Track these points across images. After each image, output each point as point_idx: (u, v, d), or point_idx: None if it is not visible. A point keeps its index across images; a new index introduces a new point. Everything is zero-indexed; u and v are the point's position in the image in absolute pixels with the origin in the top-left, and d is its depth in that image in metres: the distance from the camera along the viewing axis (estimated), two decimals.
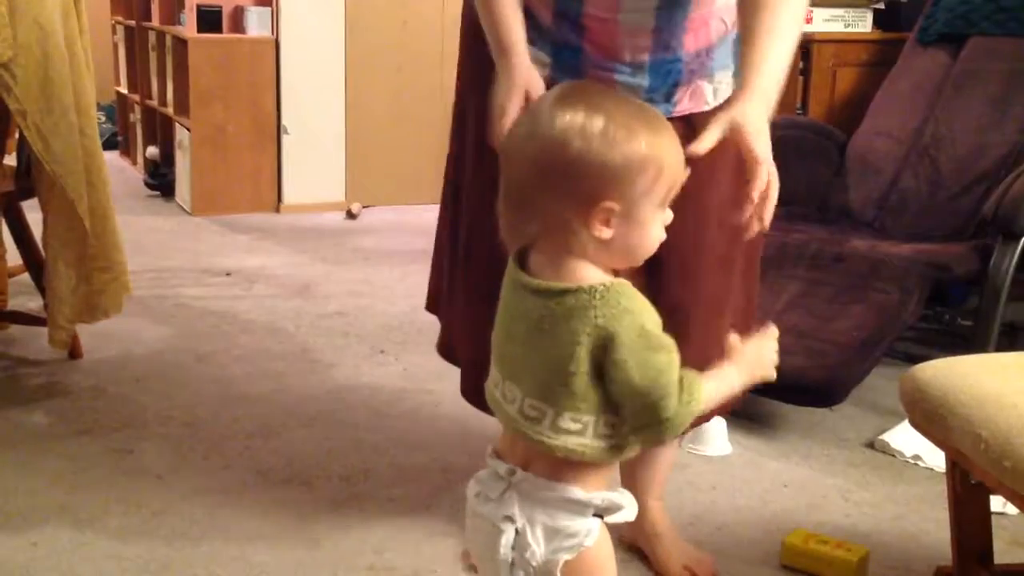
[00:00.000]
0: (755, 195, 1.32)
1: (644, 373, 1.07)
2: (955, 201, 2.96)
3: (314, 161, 4.82)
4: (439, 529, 1.98)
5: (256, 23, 4.66)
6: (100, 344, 2.87)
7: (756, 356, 1.19)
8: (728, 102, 1.41)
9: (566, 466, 1.14)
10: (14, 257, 2.87)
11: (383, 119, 4.90)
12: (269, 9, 4.67)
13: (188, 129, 4.63)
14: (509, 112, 1.42)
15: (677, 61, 1.57)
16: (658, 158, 1.10)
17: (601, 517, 1.16)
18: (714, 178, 1.53)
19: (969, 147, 3.01)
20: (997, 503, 1.80)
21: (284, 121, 4.73)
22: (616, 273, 1.13)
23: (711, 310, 1.67)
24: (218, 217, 4.61)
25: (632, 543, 1.89)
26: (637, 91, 1.54)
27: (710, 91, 1.61)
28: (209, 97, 4.59)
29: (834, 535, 1.93)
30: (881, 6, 3.67)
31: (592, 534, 1.15)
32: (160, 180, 5.03)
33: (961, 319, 2.86)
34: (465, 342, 1.82)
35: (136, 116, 5.55)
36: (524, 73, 1.47)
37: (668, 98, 1.58)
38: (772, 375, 1.20)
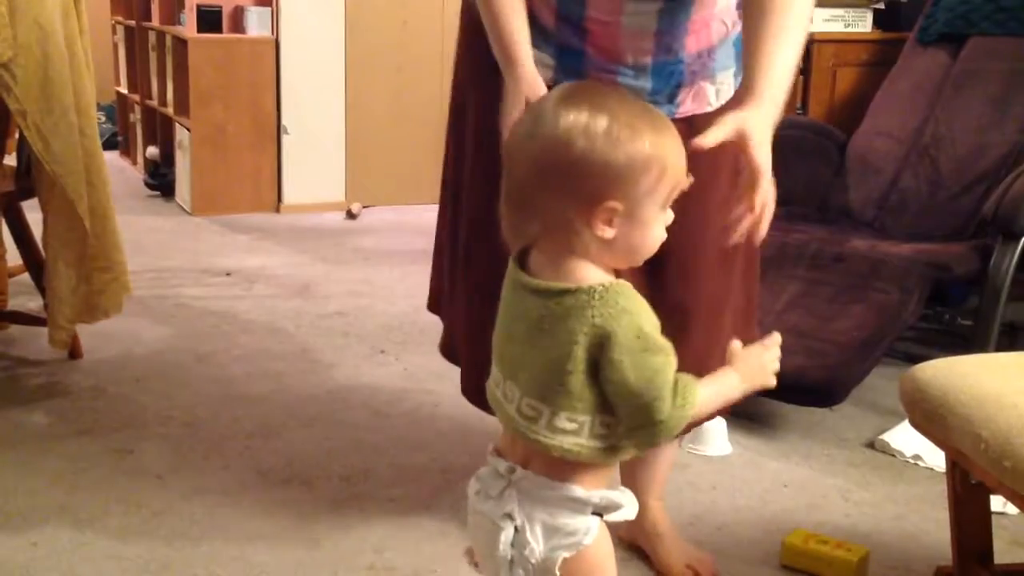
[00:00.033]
0: (757, 208, 1.31)
1: (639, 374, 1.07)
2: (955, 201, 2.96)
3: (314, 161, 4.82)
4: (439, 529, 1.98)
5: (256, 23, 4.66)
6: (100, 344, 2.87)
7: (757, 363, 1.18)
8: (736, 103, 1.39)
9: (565, 465, 1.14)
10: (14, 257, 2.87)
11: (383, 119, 4.90)
12: (269, 9, 4.67)
13: (188, 129, 4.63)
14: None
15: (679, 63, 1.57)
16: (662, 158, 1.10)
17: (600, 516, 1.17)
18: (715, 179, 1.53)
19: (969, 147, 3.01)
20: (997, 503, 1.80)
21: (284, 121, 4.73)
22: (617, 273, 1.14)
23: (711, 310, 1.68)
24: (218, 217, 4.61)
25: (632, 542, 1.89)
26: (640, 93, 1.54)
27: (712, 92, 1.61)
28: (209, 97, 4.59)
29: (834, 535, 1.93)
30: (881, 6, 3.68)
31: (591, 532, 1.15)
32: (160, 180, 5.03)
33: (961, 319, 2.86)
34: (466, 342, 1.82)
35: (136, 116, 5.56)
36: (531, 84, 1.47)
37: (671, 100, 1.58)
38: (772, 383, 1.19)
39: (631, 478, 1.79)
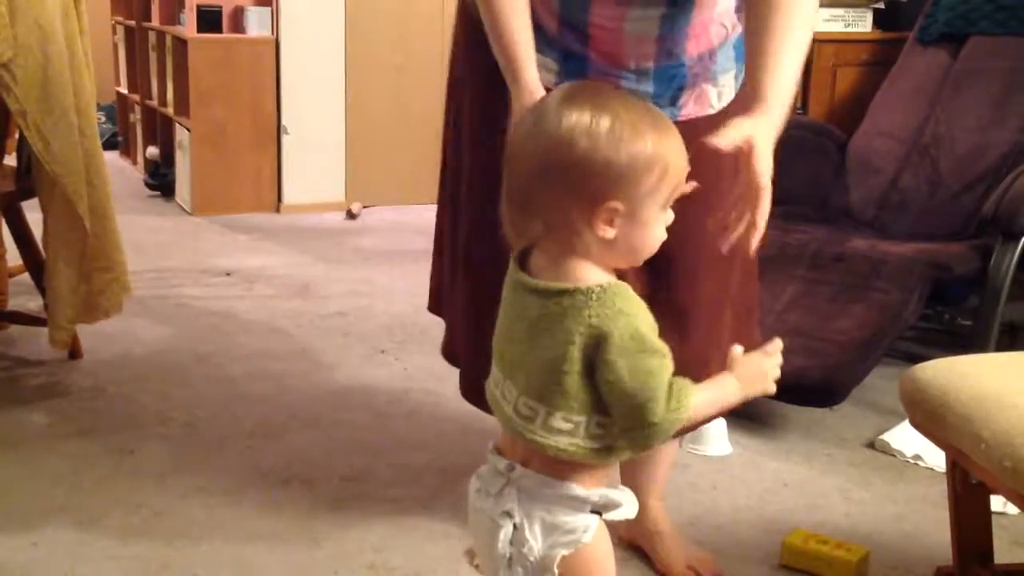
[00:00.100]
0: (759, 220, 1.31)
1: (634, 375, 1.07)
2: (955, 200, 2.96)
3: (314, 161, 4.82)
4: (439, 529, 1.98)
5: (256, 23, 4.66)
6: (100, 344, 2.87)
7: (758, 370, 1.18)
8: (744, 107, 1.38)
9: (564, 463, 1.14)
10: (14, 257, 2.87)
11: (383, 119, 4.90)
12: (269, 9, 4.67)
13: (188, 129, 4.63)
14: None
15: (681, 66, 1.57)
16: (663, 158, 1.10)
17: (599, 514, 1.17)
18: (717, 180, 1.53)
19: (969, 146, 3.01)
20: (997, 503, 1.80)
21: (284, 121, 4.73)
22: (618, 274, 1.14)
23: (711, 310, 1.68)
24: (218, 217, 4.61)
25: (632, 542, 1.89)
26: (642, 97, 1.53)
27: (714, 94, 1.62)
28: (209, 97, 4.59)
29: (834, 535, 1.93)
30: (881, 6, 3.68)
31: (590, 530, 1.15)
32: (160, 180, 5.03)
33: (961, 319, 2.86)
34: (465, 342, 1.82)
35: (136, 116, 5.56)
36: (536, 94, 1.47)
37: (673, 103, 1.59)
38: (772, 390, 1.19)
39: (631, 478, 1.79)
